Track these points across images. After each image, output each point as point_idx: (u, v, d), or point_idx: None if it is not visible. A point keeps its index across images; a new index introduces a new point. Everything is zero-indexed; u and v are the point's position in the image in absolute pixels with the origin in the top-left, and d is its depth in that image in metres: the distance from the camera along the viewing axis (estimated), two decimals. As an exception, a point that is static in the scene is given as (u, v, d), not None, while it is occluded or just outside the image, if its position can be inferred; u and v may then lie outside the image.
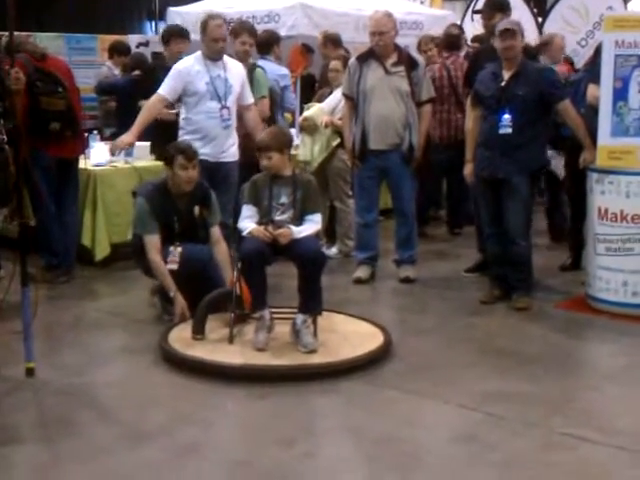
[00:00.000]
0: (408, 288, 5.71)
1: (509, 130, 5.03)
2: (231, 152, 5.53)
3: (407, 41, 7.56)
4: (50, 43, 8.84)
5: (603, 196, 5.08)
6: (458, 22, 9.05)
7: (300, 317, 4.33)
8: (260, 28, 7.49)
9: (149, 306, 5.12)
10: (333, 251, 6.43)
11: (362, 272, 5.83)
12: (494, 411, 3.67)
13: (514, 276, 5.26)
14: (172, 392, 3.96)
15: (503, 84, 5.09)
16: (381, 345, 4.35)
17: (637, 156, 5.00)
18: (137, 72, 7.72)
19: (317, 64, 8.22)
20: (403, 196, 5.80)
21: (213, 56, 5.42)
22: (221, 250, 4.96)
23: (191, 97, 5.41)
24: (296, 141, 6.35)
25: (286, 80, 7.06)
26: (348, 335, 4.51)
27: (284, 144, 4.52)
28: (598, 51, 5.34)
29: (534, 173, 5.25)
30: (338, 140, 6.28)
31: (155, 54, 8.43)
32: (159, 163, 5.94)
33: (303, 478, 3.16)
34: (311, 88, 7.96)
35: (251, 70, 5.96)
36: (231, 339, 4.36)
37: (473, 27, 9.01)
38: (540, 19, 9.28)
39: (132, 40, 10.35)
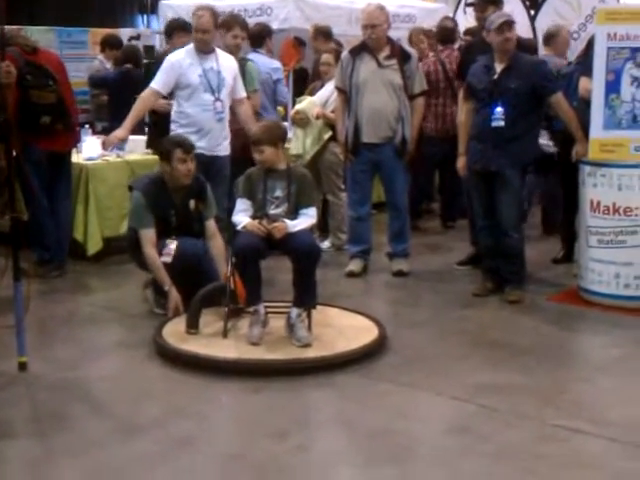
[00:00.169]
0: (401, 281, 5.72)
1: (502, 123, 5.03)
2: (224, 145, 5.51)
3: (400, 34, 7.54)
4: (41, 36, 8.77)
5: (595, 189, 5.09)
6: (451, 15, 9.03)
7: (295, 311, 4.33)
8: (252, 21, 7.48)
9: (142, 300, 5.11)
10: (326, 244, 6.42)
11: (355, 265, 5.84)
12: (487, 403, 3.68)
13: (506, 269, 5.27)
14: (166, 386, 3.96)
15: (495, 77, 5.08)
16: (376, 338, 4.35)
17: (629, 149, 5.02)
18: (128, 65, 7.69)
19: (309, 57, 8.21)
20: (396, 189, 5.80)
21: (199, 47, 5.40)
22: (217, 244, 4.95)
23: (184, 90, 5.38)
24: (289, 135, 6.34)
25: (278, 73, 7.04)
26: (343, 329, 4.51)
27: (277, 138, 4.49)
28: (590, 44, 5.33)
29: (526, 166, 5.26)
30: (330, 133, 6.27)
31: (147, 48, 8.40)
32: (151, 157, 5.92)
33: (297, 471, 3.16)
34: (304, 82, 7.94)
35: (242, 64, 5.95)
36: (225, 333, 4.35)
37: (465, 20, 8.97)
38: (532, 12, 9.26)
39: (124, 33, 10.32)
